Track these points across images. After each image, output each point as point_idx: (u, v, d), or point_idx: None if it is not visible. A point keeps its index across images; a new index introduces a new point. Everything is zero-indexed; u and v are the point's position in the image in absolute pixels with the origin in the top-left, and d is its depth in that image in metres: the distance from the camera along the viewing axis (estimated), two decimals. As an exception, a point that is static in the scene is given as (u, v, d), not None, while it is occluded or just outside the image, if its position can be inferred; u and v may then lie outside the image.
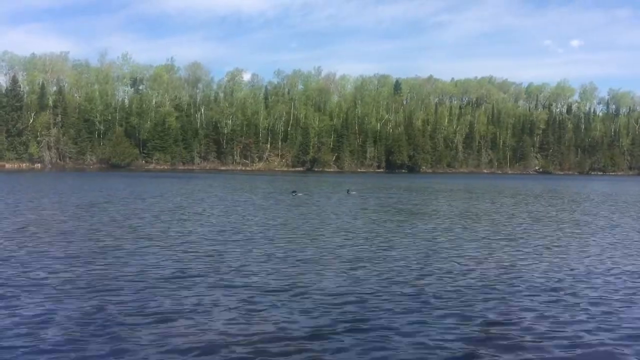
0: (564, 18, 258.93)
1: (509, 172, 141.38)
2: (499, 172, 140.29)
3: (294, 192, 38.69)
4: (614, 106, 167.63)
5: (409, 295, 9.80)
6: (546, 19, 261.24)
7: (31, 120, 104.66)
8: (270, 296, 9.57)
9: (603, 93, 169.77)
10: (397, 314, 8.70)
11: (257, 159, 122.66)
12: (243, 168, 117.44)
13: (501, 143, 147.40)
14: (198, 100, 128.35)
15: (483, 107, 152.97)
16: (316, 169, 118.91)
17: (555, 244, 16.38)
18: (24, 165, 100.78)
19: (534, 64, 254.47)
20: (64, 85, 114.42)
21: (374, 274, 11.51)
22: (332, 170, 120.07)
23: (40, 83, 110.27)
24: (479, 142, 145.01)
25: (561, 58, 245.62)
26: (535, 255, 14.26)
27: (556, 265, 13.00)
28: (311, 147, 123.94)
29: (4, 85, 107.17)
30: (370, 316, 8.54)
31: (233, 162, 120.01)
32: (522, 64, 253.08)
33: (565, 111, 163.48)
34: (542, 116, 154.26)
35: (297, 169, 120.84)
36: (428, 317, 8.55)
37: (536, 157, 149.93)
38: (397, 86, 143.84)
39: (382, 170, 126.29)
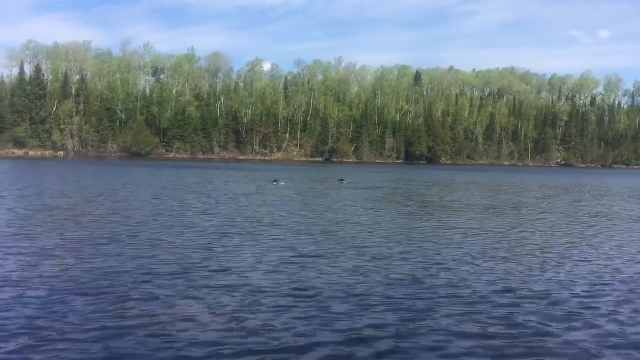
0: (591, 7, 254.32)
1: (530, 164, 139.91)
2: (520, 164, 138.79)
3: (275, 181, 38.75)
4: (639, 98, 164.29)
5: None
6: (572, 8, 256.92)
7: (54, 109, 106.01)
8: (272, 298, 9.47)
9: (628, 85, 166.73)
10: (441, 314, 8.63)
11: (276, 149, 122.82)
12: (262, 158, 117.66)
13: (522, 135, 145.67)
14: (218, 90, 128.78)
15: (505, 99, 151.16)
16: (335, 160, 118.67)
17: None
18: (47, 153, 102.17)
19: (557, 54, 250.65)
20: (86, 74, 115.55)
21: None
22: (350, 160, 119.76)
23: (64, 72, 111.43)
24: (500, 134, 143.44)
25: (586, 49, 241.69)
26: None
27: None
28: (330, 138, 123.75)
29: (29, 73, 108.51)
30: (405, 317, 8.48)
31: (252, 152, 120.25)
32: (546, 55, 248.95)
33: (589, 103, 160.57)
34: (565, 108, 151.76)
35: (315, 159, 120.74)
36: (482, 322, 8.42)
37: (558, 149, 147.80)
38: (417, 77, 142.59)
39: (401, 161, 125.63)
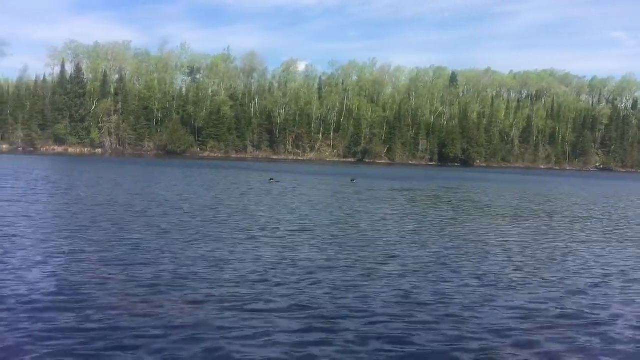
0: (635, 8, 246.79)
1: (568, 168, 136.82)
2: (557, 167, 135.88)
3: (271, 179, 40.24)
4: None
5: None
6: (614, 9, 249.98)
7: (93, 107, 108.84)
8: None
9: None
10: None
11: (308, 149, 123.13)
12: (295, 158, 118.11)
13: (560, 138, 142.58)
14: (253, 89, 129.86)
15: (543, 101, 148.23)
16: (367, 160, 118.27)
17: None
18: (85, 150, 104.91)
19: (598, 55, 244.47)
20: (125, 74, 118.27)
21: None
22: (383, 162, 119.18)
23: (103, 71, 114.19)
24: (537, 137, 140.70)
25: (629, 50, 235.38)
26: None
27: None
28: (363, 139, 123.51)
29: (69, 72, 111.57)
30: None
31: (285, 152, 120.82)
32: (586, 56, 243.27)
33: (630, 106, 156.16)
34: (605, 111, 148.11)
35: (348, 159, 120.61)
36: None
37: (597, 153, 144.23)
38: (453, 78, 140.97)
39: (434, 163, 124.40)
